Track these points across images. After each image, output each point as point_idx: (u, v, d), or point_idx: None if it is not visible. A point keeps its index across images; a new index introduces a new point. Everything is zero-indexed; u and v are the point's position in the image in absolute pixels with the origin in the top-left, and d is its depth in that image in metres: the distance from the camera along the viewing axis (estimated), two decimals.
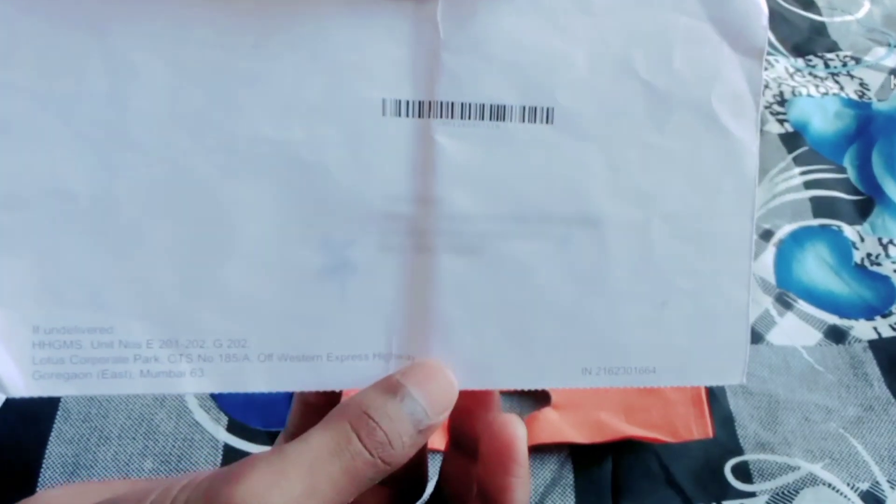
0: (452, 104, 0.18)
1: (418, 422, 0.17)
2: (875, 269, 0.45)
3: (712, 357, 0.20)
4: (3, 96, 0.16)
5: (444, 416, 0.17)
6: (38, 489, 0.33)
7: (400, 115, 0.18)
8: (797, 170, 0.49)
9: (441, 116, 0.18)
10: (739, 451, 0.37)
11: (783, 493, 0.36)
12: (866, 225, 0.47)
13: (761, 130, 0.52)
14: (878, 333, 0.42)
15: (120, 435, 0.35)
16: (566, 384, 0.19)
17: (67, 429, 0.36)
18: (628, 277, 0.20)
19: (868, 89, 0.55)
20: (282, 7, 0.17)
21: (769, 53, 0.58)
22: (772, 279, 0.44)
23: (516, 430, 0.19)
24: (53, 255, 0.17)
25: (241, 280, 0.18)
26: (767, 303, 0.43)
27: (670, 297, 0.20)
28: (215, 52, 0.17)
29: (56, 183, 0.17)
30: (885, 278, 0.44)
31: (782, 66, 0.57)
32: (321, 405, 0.20)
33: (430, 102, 0.18)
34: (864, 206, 0.48)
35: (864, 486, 0.36)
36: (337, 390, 0.18)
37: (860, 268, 0.45)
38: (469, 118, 0.18)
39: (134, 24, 0.17)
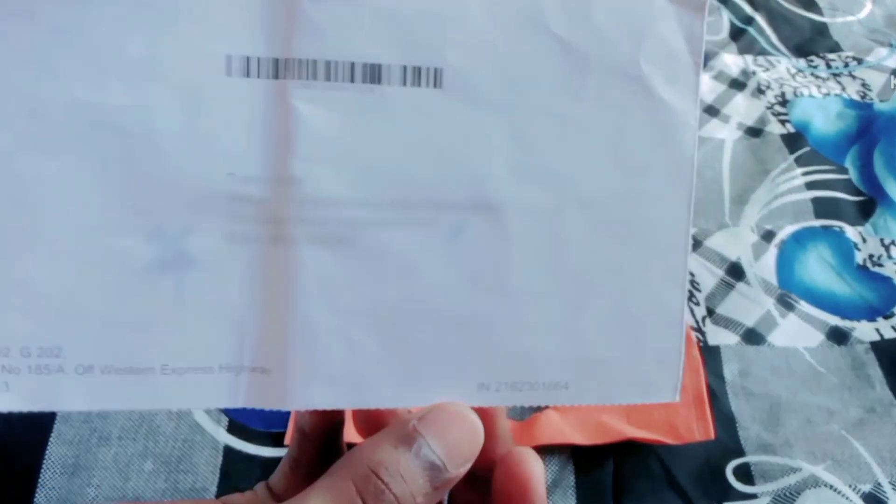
0: (315, 62, 0.15)
1: (435, 477, 0.15)
2: (877, 269, 0.45)
3: (638, 370, 0.17)
4: None
5: (466, 469, 0.15)
6: (38, 490, 0.33)
7: (249, 75, 0.15)
8: (799, 170, 0.49)
9: (301, 77, 0.15)
10: (741, 453, 0.37)
11: (785, 494, 0.36)
12: (868, 226, 0.47)
13: (763, 131, 0.52)
14: (881, 335, 0.42)
15: (120, 436, 0.35)
16: (458, 400, 0.16)
17: (67, 430, 0.36)
18: (535, 275, 0.17)
19: (870, 90, 0.55)
20: None
21: (770, 54, 0.58)
22: (774, 280, 0.44)
23: (533, 468, 0.17)
24: None
25: (51, 276, 0.15)
26: (769, 304, 0.43)
27: (587, 299, 0.17)
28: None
29: None
30: (887, 279, 0.44)
31: (784, 66, 0.57)
32: (319, 431, 0.18)
33: (287, 60, 0.15)
34: (866, 206, 0.48)
35: (866, 487, 0.36)
36: (176, 409, 0.16)
37: (862, 269, 0.45)
38: (336, 80, 0.15)
39: None
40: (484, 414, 0.17)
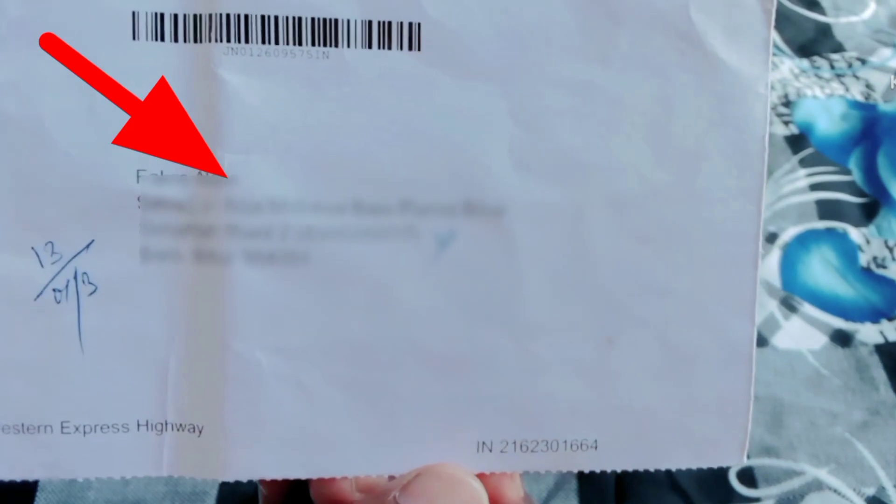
0: (248, 19, 0.11)
1: None
2: (881, 272, 0.44)
3: (691, 423, 0.14)
4: None
5: None
6: (38, 494, 0.33)
7: (163, 38, 0.11)
8: (802, 172, 0.49)
9: (229, 40, 0.11)
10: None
11: (788, 498, 0.36)
12: (872, 227, 0.47)
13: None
14: (885, 337, 0.42)
15: None
16: (449, 461, 0.13)
17: None
18: (551, 299, 0.13)
19: (874, 90, 0.55)
20: None
21: (773, 54, 0.58)
22: (777, 282, 0.44)
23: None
24: None
25: None
26: (772, 306, 0.43)
27: (621, 330, 0.13)
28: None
29: None
30: (892, 281, 0.44)
31: (787, 67, 0.57)
32: (283, 496, 0.15)
33: (210, 16, 0.11)
34: (870, 208, 0.48)
35: (870, 491, 0.36)
36: (81, 479, 0.13)
37: (866, 271, 0.45)
38: (276, 42, 0.11)
39: None
40: (487, 479, 0.13)
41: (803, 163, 0.50)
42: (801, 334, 0.42)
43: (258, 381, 0.12)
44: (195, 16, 0.11)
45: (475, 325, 0.12)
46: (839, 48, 0.58)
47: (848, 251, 0.46)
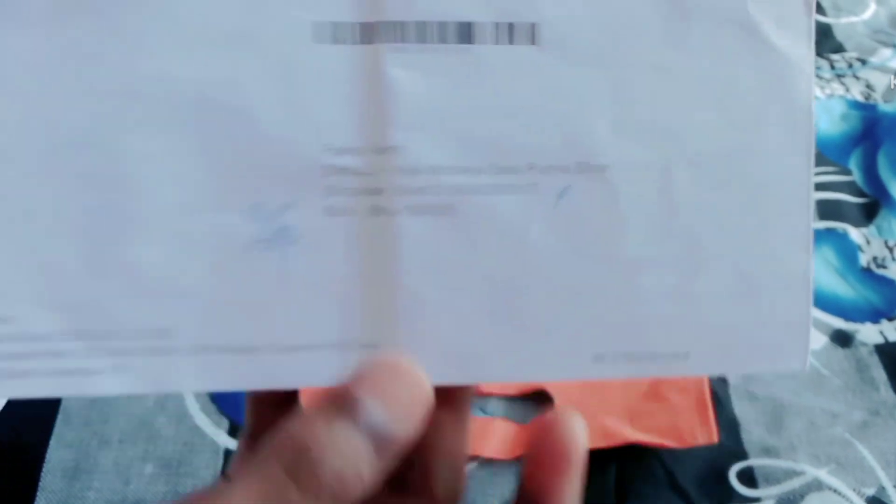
0: (405, 24, 0.14)
1: (380, 445, 0.13)
2: (881, 272, 0.44)
3: (764, 337, 0.16)
4: None
5: (416, 427, 0.14)
6: (38, 493, 0.33)
7: (339, 41, 0.14)
8: None
9: (392, 41, 0.14)
10: (744, 456, 0.37)
11: (788, 498, 0.36)
12: (872, 227, 0.47)
13: None
14: (885, 337, 0.42)
15: (120, 439, 0.35)
16: (574, 375, 0.15)
17: (68, 433, 0.36)
18: (647, 239, 0.16)
19: (874, 91, 0.55)
20: None
21: None
22: None
23: (572, 425, 0.15)
24: None
25: (156, 258, 0.14)
26: None
27: (704, 263, 0.16)
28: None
29: None
30: (892, 282, 0.44)
31: None
32: (277, 401, 0.17)
33: (376, 24, 0.14)
34: (870, 208, 0.48)
35: (870, 491, 0.36)
36: (289, 389, 0.16)
37: (866, 271, 0.45)
38: (428, 41, 0.15)
39: None
40: (449, 401, 0.15)
41: None
42: None
43: (422, 308, 0.15)
44: (363, 23, 0.14)
45: (588, 260, 0.15)
46: (839, 48, 0.58)
47: (848, 251, 0.46)
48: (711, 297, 0.16)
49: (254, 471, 0.12)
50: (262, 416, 0.17)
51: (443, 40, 0.15)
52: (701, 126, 0.15)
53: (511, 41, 0.15)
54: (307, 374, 0.15)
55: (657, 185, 0.15)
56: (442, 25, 0.15)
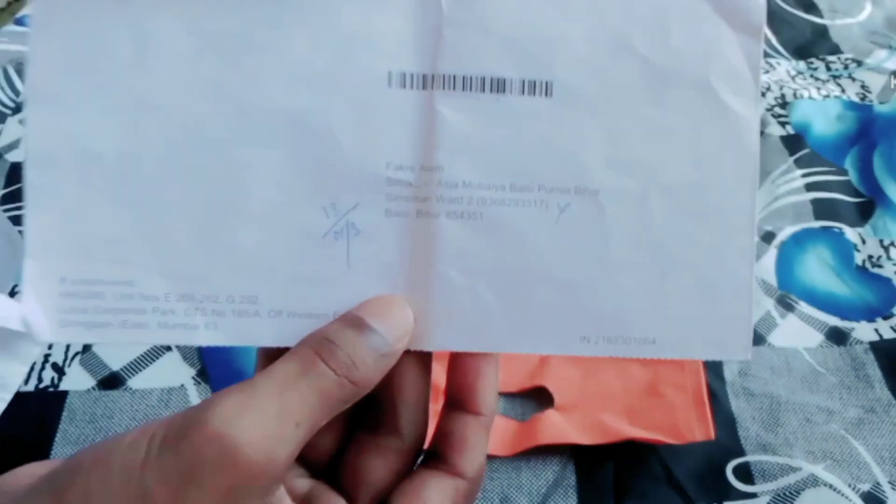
0: (454, 77, 0.19)
1: (379, 346, 0.18)
2: (876, 270, 0.45)
3: (715, 331, 0.20)
4: (37, 68, 0.18)
5: (404, 342, 0.18)
6: None
7: (404, 86, 0.19)
8: (798, 172, 0.49)
9: (444, 88, 0.19)
10: (741, 453, 0.37)
11: (784, 494, 0.36)
12: (868, 227, 0.47)
13: (763, 133, 0.52)
14: (880, 335, 0.42)
15: None
16: (564, 351, 0.19)
17: (73, 430, 0.36)
18: (627, 247, 0.20)
19: (869, 92, 0.55)
20: None
21: (770, 56, 0.58)
22: (773, 281, 0.44)
23: (482, 366, 0.20)
24: (80, 212, 0.18)
25: (253, 240, 0.18)
26: (769, 304, 0.43)
27: (670, 269, 0.20)
28: (232, 22, 0.18)
29: (84, 144, 0.18)
30: (887, 280, 0.44)
31: (784, 68, 0.57)
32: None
33: (433, 75, 0.19)
34: (866, 208, 0.48)
35: (866, 487, 0.36)
36: None
37: (861, 270, 0.45)
38: (470, 90, 0.19)
39: None
40: (415, 359, 0.19)
41: (799, 163, 0.50)
42: (797, 332, 0.42)
43: (450, 290, 0.19)
44: (423, 74, 0.19)
45: (580, 262, 0.19)
46: (835, 50, 0.58)
47: (844, 250, 0.46)
48: (675, 297, 0.20)
49: (291, 352, 0.17)
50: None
51: (481, 90, 0.19)
52: (672, 165, 0.20)
53: (532, 94, 0.19)
54: None
55: (636, 207, 0.20)
56: (482, 79, 0.19)
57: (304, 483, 0.19)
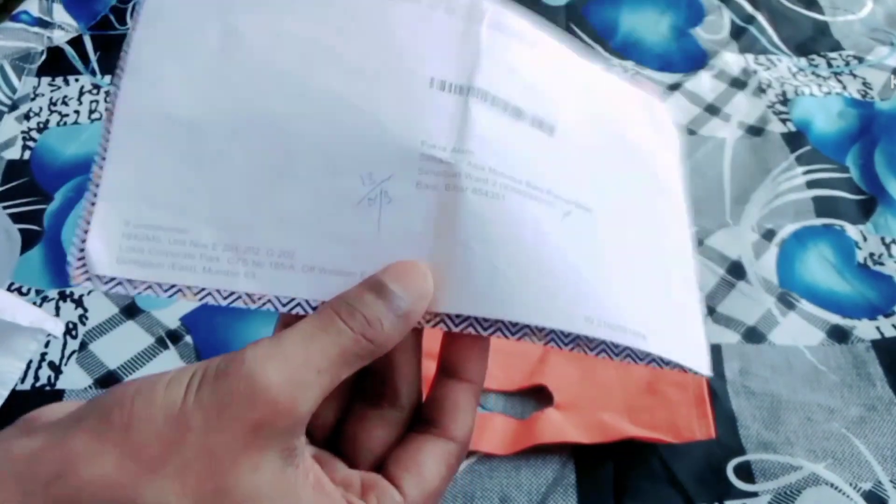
0: (486, 93, 0.22)
1: (397, 307, 0.19)
2: (878, 268, 0.45)
3: (686, 346, 0.23)
4: (138, 47, 0.21)
5: (422, 304, 0.20)
6: None
7: (444, 90, 0.21)
8: (800, 169, 0.49)
9: (477, 98, 0.22)
10: (741, 451, 0.37)
11: (785, 492, 0.36)
12: (869, 224, 0.47)
13: (764, 130, 0.52)
14: (881, 333, 0.42)
15: None
16: (569, 326, 0.21)
17: None
18: (616, 256, 0.23)
19: (871, 89, 0.55)
20: (365, 4, 0.22)
21: (772, 53, 0.58)
22: (774, 279, 0.44)
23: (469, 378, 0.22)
24: (151, 167, 0.20)
25: (297, 201, 0.20)
26: (770, 302, 0.43)
27: (647, 286, 0.23)
28: (307, 26, 0.21)
29: (164, 111, 0.20)
30: (888, 278, 0.44)
31: (785, 65, 0.57)
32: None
33: (469, 87, 0.22)
34: (867, 205, 0.48)
35: (867, 485, 0.36)
36: None
37: (863, 267, 0.45)
38: (496, 107, 0.22)
39: None
40: (409, 342, 0.21)
41: (800, 160, 0.50)
42: (799, 330, 0.42)
43: (469, 257, 0.20)
44: (461, 85, 0.22)
45: (585, 258, 0.22)
46: (837, 47, 0.58)
47: (845, 248, 0.46)
48: (657, 306, 0.23)
49: (315, 313, 0.19)
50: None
51: (504, 110, 0.22)
52: (635, 205, 0.24)
53: (539, 129, 0.22)
54: None
55: (619, 232, 0.23)
56: (505, 103, 0.22)
57: (309, 450, 0.20)
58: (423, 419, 0.22)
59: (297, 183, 0.20)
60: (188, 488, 0.16)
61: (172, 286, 0.20)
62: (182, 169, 0.20)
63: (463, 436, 0.21)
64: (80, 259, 0.20)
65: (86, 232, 0.20)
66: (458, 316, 0.20)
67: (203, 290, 0.20)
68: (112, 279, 0.20)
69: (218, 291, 0.20)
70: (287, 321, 0.20)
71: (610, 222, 0.23)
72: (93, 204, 0.20)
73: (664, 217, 0.25)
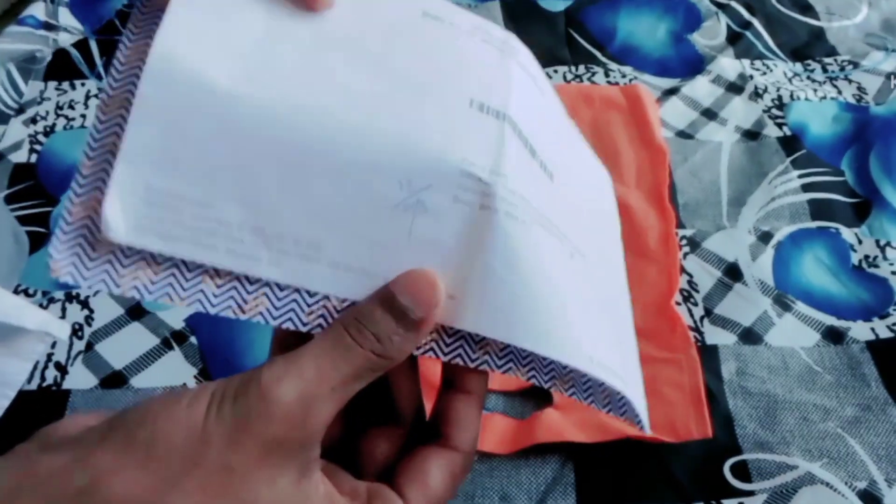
0: (515, 124, 0.22)
1: (408, 321, 0.19)
2: (873, 270, 0.45)
3: (640, 395, 0.23)
4: (182, 31, 0.19)
5: (431, 313, 0.20)
6: None
7: (482, 112, 0.22)
8: (795, 173, 0.50)
9: (509, 126, 0.22)
10: (738, 451, 0.38)
11: (781, 491, 0.36)
12: (864, 227, 0.47)
13: (760, 134, 0.52)
14: (876, 334, 0.42)
15: None
16: (574, 363, 0.20)
17: None
18: (601, 303, 0.24)
19: (866, 93, 0.55)
20: (408, 19, 0.23)
21: (767, 58, 0.58)
22: (770, 281, 0.44)
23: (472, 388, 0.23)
24: (179, 131, 0.19)
25: (330, 196, 0.20)
26: (766, 304, 0.43)
27: (618, 335, 0.24)
28: (353, 30, 0.21)
29: (200, 74, 0.19)
30: (883, 280, 0.45)
31: (780, 70, 0.57)
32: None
33: (504, 114, 0.22)
34: (862, 208, 0.48)
35: (862, 485, 0.36)
36: None
37: (858, 270, 0.45)
38: (521, 141, 0.22)
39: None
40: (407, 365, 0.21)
41: (796, 164, 0.50)
42: (795, 332, 0.42)
43: (491, 279, 0.20)
44: (497, 111, 0.22)
45: (582, 295, 0.22)
46: (832, 52, 0.59)
47: (840, 250, 0.46)
48: (625, 354, 0.24)
49: (325, 330, 0.20)
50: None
51: (524, 146, 0.22)
52: (602, 255, 0.26)
53: (544, 171, 0.23)
54: None
55: (599, 278, 0.24)
56: (526, 139, 0.22)
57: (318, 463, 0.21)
58: (428, 431, 0.22)
59: (332, 177, 0.20)
60: (209, 502, 0.17)
61: (162, 287, 0.19)
62: (213, 140, 0.19)
63: (467, 446, 0.22)
64: (60, 251, 0.19)
65: (67, 223, 0.19)
66: (447, 345, 0.21)
67: (194, 294, 0.19)
68: (97, 277, 0.19)
69: (207, 299, 0.19)
70: (281, 334, 0.21)
71: (594, 271, 0.24)
72: (77, 194, 0.19)
73: (619, 275, 0.26)
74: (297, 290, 0.20)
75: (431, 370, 0.22)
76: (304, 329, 0.20)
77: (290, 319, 0.20)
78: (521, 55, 0.24)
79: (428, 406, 0.23)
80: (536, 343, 0.20)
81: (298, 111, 0.20)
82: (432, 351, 0.21)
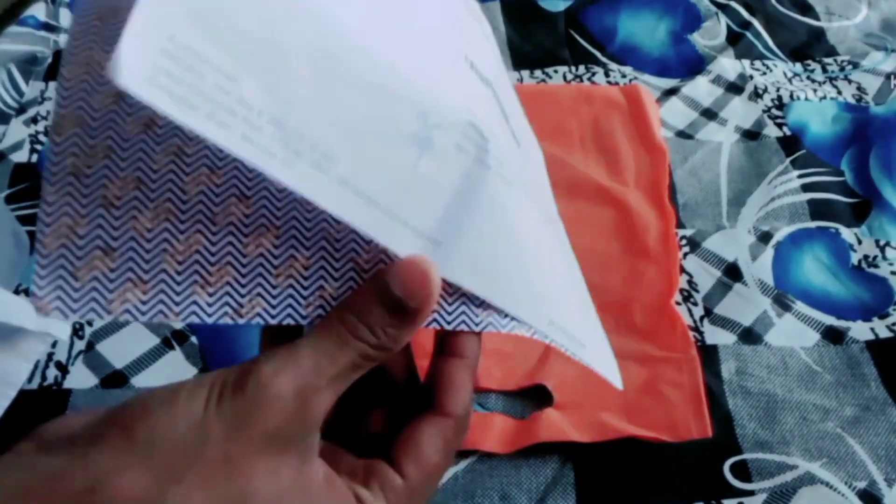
0: (497, 93, 0.23)
1: (398, 311, 0.20)
2: (872, 270, 0.45)
3: (606, 357, 0.24)
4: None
5: (426, 302, 0.20)
6: None
7: (472, 70, 0.22)
8: (795, 173, 0.50)
9: (491, 87, 0.23)
10: (738, 450, 0.38)
11: (781, 491, 0.36)
12: (864, 227, 0.47)
13: (760, 134, 0.52)
14: (876, 334, 0.42)
15: None
16: (536, 324, 0.22)
17: None
18: (567, 269, 0.24)
19: (866, 93, 0.55)
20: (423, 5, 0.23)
21: (767, 58, 0.58)
22: (770, 281, 0.44)
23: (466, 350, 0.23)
24: None
25: (356, 107, 0.19)
26: (766, 304, 0.43)
27: (581, 300, 0.25)
28: (360, 10, 0.20)
29: None
30: (883, 280, 0.45)
31: (780, 70, 0.57)
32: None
33: (489, 81, 0.22)
34: (862, 208, 0.48)
35: (862, 484, 0.36)
36: (377, 242, 0.20)
37: (857, 270, 0.45)
38: (500, 107, 0.23)
39: None
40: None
41: (796, 164, 0.50)
42: (794, 332, 0.42)
43: (479, 233, 0.21)
44: (486, 78, 0.23)
45: (552, 259, 0.23)
46: (832, 52, 0.59)
47: (840, 250, 0.46)
48: (588, 318, 0.25)
49: (321, 323, 0.20)
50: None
51: (501, 113, 0.23)
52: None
53: (513, 138, 0.24)
54: (391, 239, 0.20)
55: (565, 244, 0.26)
56: (502, 108, 0.23)
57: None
58: (422, 400, 0.23)
59: (360, 90, 0.19)
60: (212, 495, 0.17)
61: (154, 305, 0.19)
62: (258, 13, 0.17)
63: (459, 411, 0.22)
64: (42, 287, 0.18)
65: (43, 256, 0.18)
66: (449, 314, 0.21)
67: (188, 308, 0.19)
68: (86, 307, 0.19)
69: (202, 309, 0.19)
70: (272, 329, 0.21)
71: (564, 237, 0.24)
72: (46, 224, 0.18)
73: (569, 246, 0.27)
74: (291, 285, 0.20)
75: (425, 335, 0.22)
76: (305, 322, 0.20)
77: (289, 315, 0.20)
78: (485, 24, 0.25)
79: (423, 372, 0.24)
80: (505, 300, 0.21)
81: (330, 21, 0.19)
82: (436, 322, 0.21)
